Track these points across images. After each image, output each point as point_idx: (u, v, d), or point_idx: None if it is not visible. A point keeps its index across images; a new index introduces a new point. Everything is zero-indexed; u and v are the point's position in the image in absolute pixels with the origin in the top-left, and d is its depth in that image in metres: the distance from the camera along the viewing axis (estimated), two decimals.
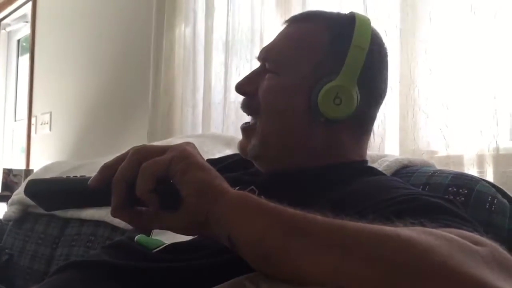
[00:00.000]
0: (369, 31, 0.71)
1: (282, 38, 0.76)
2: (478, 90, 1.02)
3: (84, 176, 0.55)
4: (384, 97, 0.77)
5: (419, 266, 0.39)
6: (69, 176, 0.56)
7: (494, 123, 0.98)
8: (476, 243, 0.42)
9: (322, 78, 0.69)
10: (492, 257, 0.40)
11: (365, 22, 0.72)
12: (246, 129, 0.77)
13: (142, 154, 0.51)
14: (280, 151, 0.73)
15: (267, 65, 0.75)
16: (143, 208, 0.52)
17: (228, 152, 1.31)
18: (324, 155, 0.73)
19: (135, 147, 0.52)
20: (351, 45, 0.69)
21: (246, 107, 0.76)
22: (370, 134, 0.78)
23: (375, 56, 0.72)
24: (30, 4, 3.41)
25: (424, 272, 0.38)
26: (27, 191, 0.55)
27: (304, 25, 0.75)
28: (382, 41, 0.76)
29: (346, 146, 0.74)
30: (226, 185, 0.50)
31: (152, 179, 0.49)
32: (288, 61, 0.73)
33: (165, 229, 0.53)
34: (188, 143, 0.53)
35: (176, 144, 0.52)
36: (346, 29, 0.70)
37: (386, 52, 0.76)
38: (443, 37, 1.09)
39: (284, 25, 0.78)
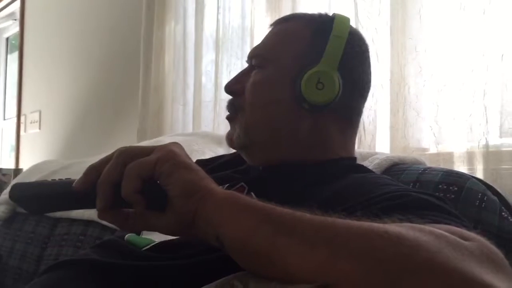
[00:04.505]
0: (347, 26, 0.75)
1: (267, 38, 0.80)
2: (468, 87, 1.02)
3: (69, 178, 0.54)
4: (368, 91, 0.80)
5: (407, 263, 0.38)
6: (54, 179, 0.56)
7: (484, 120, 0.98)
8: (465, 238, 0.42)
9: (304, 68, 0.72)
10: (480, 252, 0.40)
11: (344, 19, 0.76)
12: (229, 118, 0.79)
13: (127, 155, 0.50)
14: (266, 141, 0.75)
15: (253, 61, 0.78)
16: (130, 210, 0.52)
17: (219, 150, 1.30)
18: (310, 148, 0.74)
19: (120, 148, 0.51)
20: (330, 36, 0.72)
21: (231, 106, 0.79)
22: (356, 130, 0.80)
23: (355, 48, 0.76)
24: (18, 1, 3.37)
25: (413, 268, 0.38)
26: (11, 196, 0.54)
27: (287, 23, 0.80)
28: (362, 37, 0.80)
29: (333, 140, 0.75)
30: (214, 185, 0.50)
31: (138, 180, 0.48)
32: (272, 55, 0.76)
33: (152, 230, 0.53)
34: (175, 143, 0.52)
35: (162, 145, 0.51)
36: (327, 25, 0.74)
37: (367, 48, 0.80)
38: (433, 34, 1.10)
39: (270, 28, 0.81)
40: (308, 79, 0.71)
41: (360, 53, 0.77)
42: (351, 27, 0.76)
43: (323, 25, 0.74)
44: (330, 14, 0.79)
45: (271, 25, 0.82)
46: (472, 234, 0.43)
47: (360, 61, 0.77)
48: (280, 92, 0.74)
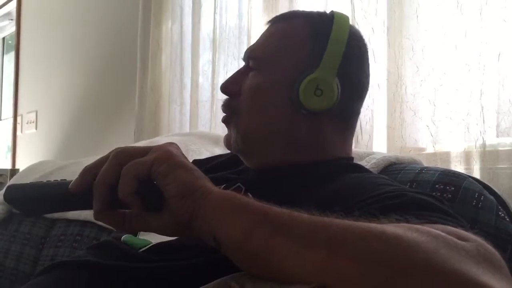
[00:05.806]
0: (347, 27, 0.74)
1: (264, 37, 0.79)
2: (465, 87, 1.02)
3: (65, 180, 0.53)
4: (366, 92, 0.79)
5: (405, 263, 0.38)
6: (50, 180, 0.55)
7: (481, 120, 0.99)
8: (462, 238, 0.42)
9: (302, 73, 0.71)
10: (477, 252, 0.40)
11: (343, 19, 0.75)
12: (225, 121, 0.79)
13: (123, 156, 0.50)
14: (263, 146, 0.74)
15: (250, 63, 0.77)
16: (127, 210, 0.52)
17: (216, 150, 1.30)
18: (308, 151, 0.74)
19: (116, 148, 0.51)
20: (329, 40, 0.71)
21: (227, 107, 0.78)
22: (354, 130, 0.80)
23: (354, 51, 0.75)
24: (14, 1, 3.36)
25: (410, 269, 0.38)
26: (6, 197, 0.54)
27: (285, 24, 0.78)
28: (361, 37, 0.79)
29: (331, 142, 0.75)
30: (210, 185, 0.50)
31: (134, 181, 0.48)
32: (270, 58, 0.75)
33: (149, 231, 0.53)
34: (171, 144, 0.52)
35: (159, 145, 0.51)
36: (325, 25, 0.73)
37: (366, 49, 0.79)
38: (430, 34, 1.10)
39: (267, 25, 0.80)
40: (306, 86, 0.70)
41: (360, 55, 0.77)
42: (351, 26, 0.75)
43: (322, 26, 0.73)
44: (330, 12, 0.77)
45: (268, 22, 0.80)
46: (469, 235, 0.43)
47: (359, 64, 0.77)
48: (277, 97, 0.73)
